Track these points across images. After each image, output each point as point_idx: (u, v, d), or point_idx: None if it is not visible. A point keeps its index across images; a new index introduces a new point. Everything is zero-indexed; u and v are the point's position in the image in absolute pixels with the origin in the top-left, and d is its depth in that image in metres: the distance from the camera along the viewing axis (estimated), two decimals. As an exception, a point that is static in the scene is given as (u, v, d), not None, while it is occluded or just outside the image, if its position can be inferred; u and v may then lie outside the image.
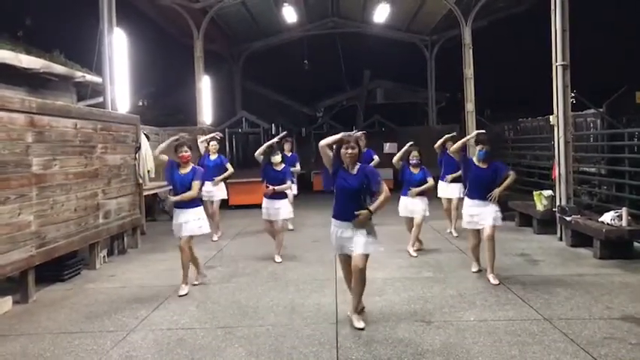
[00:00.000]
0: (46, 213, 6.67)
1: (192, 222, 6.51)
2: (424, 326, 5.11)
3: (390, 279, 6.84)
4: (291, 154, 10.82)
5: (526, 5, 17.54)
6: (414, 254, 8.14)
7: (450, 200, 9.78)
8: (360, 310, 5.34)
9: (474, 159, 6.82)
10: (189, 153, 6.54)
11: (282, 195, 8.15)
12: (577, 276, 6.81)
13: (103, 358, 4.63)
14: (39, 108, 6.61)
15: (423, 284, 6.58)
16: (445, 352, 4.52)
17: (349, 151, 5.02)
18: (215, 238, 10.02)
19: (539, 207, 9.66)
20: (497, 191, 6.60)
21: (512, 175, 6.83)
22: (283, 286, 6.76)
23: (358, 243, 5.00)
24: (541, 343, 4.63)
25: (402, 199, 8.29)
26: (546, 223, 9.49)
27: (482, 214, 6.63)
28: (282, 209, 8.14)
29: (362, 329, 5.02)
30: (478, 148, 6.71)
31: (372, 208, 4.99)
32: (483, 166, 6.71)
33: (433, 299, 5.97)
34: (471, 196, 6.75)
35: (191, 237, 6.58)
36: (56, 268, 7.20)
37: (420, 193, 8.17)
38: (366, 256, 5.06)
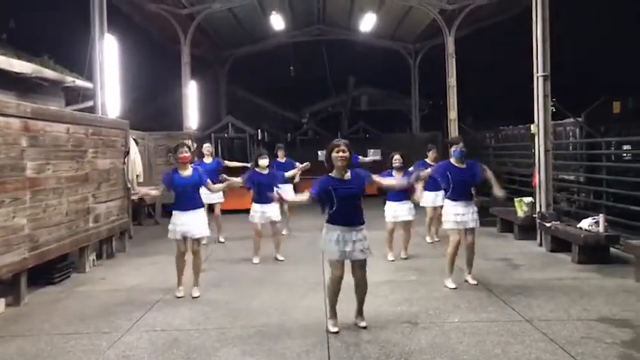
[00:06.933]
0: (39, 216, 6.75)
1: (197, 224, 6.60)
2: (411, 327, 5.31)
3: (377, 282, 6.99)
4: (285, 159, 11.05)
5: (509, 14, 17.83)
6: (392, 258, 8.33)
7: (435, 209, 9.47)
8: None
9: (452, 160, 6.79)
10: (188, 154, 6.66)
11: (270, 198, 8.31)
12: (556, 280, 7.07)
13: (101, 357, 4.76)
14: (33, 113, 6.71)
15: (410, 287, 6.79)
16: (431, 351, 4.73)
17: (340, 154, 5.14)
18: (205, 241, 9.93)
19: (520, 213, 9.90)
20: (500, 192, 6.76)
21: (488, 172, 6.94)
22: (275, 288, 6.93)
23: (362, 249, 5.16)
24: (522, 343, 4.86)
25: (389, 204, 8.29)
26: (527, 229, 9.71)
27: (466, 215, 6.67)
28: (273, 212, 8.38)
29: (365, 327, 5.29)
30: (453, 148, 6.75)
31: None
32: (462, 166, 6.74)
33: (419, 302, 6.18)
34: (454, 198, 6.69)
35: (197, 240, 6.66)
36: (47, 272, 7.26)
37: (406, 197, 8.14)
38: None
